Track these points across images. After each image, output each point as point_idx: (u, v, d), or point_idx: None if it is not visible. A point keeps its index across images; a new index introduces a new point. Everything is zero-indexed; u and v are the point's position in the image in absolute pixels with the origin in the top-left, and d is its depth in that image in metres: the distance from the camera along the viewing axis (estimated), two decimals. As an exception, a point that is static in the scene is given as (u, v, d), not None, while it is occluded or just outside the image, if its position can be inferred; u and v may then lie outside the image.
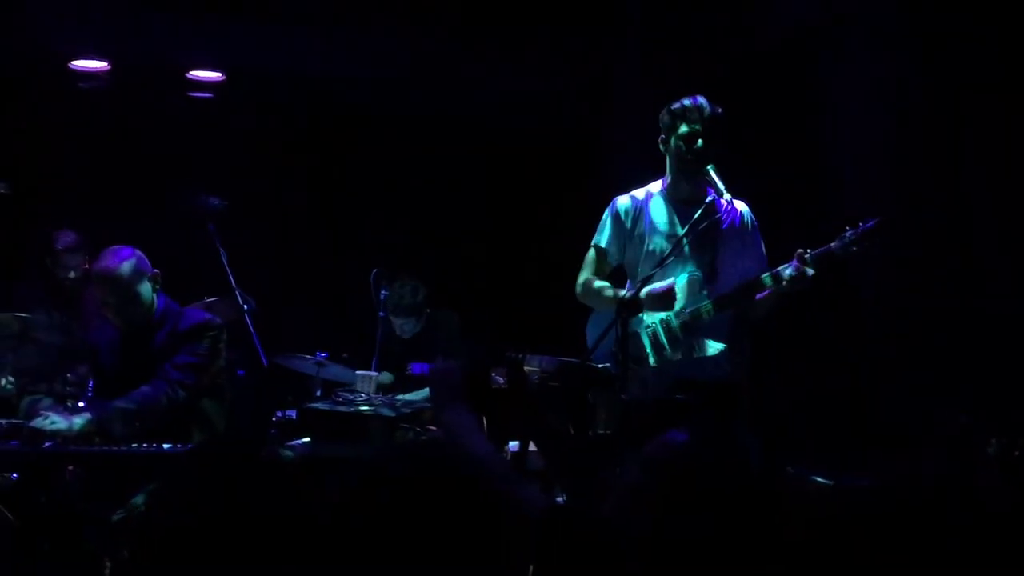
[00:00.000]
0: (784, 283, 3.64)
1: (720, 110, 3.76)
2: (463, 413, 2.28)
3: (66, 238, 5.29)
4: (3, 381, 4.59)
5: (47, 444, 3.64)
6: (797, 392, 4.95)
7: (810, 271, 3.60)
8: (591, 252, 3.93)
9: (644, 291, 3.64)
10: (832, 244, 3.64)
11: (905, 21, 4.67)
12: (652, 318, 3.77)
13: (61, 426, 3.70)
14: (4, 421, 4.20)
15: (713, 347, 3.74)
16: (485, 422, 2.17)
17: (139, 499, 2.96)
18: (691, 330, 3.74)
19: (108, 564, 3.00)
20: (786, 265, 3.66)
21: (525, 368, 3.23)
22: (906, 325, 4.66)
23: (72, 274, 5.20)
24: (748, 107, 3.85)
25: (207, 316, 4.18)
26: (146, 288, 3.97)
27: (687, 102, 3.75)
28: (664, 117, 3.80)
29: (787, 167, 5.00)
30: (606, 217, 3.91)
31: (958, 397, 4.31)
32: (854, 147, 4.94)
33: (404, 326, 5.28)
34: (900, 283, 4.67)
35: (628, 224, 3.85)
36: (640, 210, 3.86)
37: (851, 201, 4.80)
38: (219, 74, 6.06)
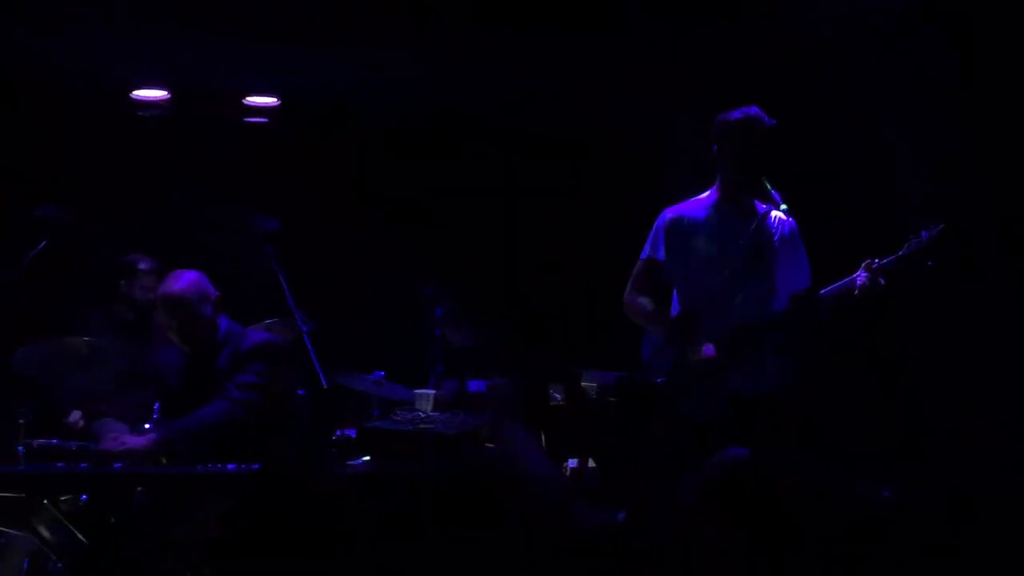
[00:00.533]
0: (855, 292, 3.60)
1: (775, 122, 3.73)
2: (520, 430, 2.29)
3: (146, 261, 5.42)
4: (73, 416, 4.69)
5: (116, 465, 3.72)
6: (853, 405, 4.88)
7: (882, 281, 3.56)
8: (641, 266, 3.85)
9: (693, 352, 3.59)
10: (901, 253, 3.59)
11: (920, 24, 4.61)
12: (712, 334, 3.73)
13: (129, 447, 3.78)
14: (74, 443, 4.31)
15: (774, 362, 3.69)
16: (543, 438, 2.18)
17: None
18: (752, 346, 3.69)
19: None
20: (854, 276, 3.61)
21: (583, 384, 3.22)
22: (952, 334, 4.57)
23: (151, 295, 5.33)
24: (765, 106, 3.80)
25: (268, 336, 4.25)
26: (208, 311, 4.06)
27: (745, 114, 3.70)
28: (720, 128, 3.75)
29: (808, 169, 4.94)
30: (658, 229, 3.85)
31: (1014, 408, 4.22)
32: (874, 146, 4.89)
33: (449, 330, 5.30)
34: (941, 289, 4.58)
35: (682, 235, 3.79)
36: (693, 221, 3.80)
37: (867, 199, 4.76)
38: (274, 99, 6.17)
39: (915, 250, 3.56)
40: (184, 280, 4.06)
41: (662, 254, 3.82)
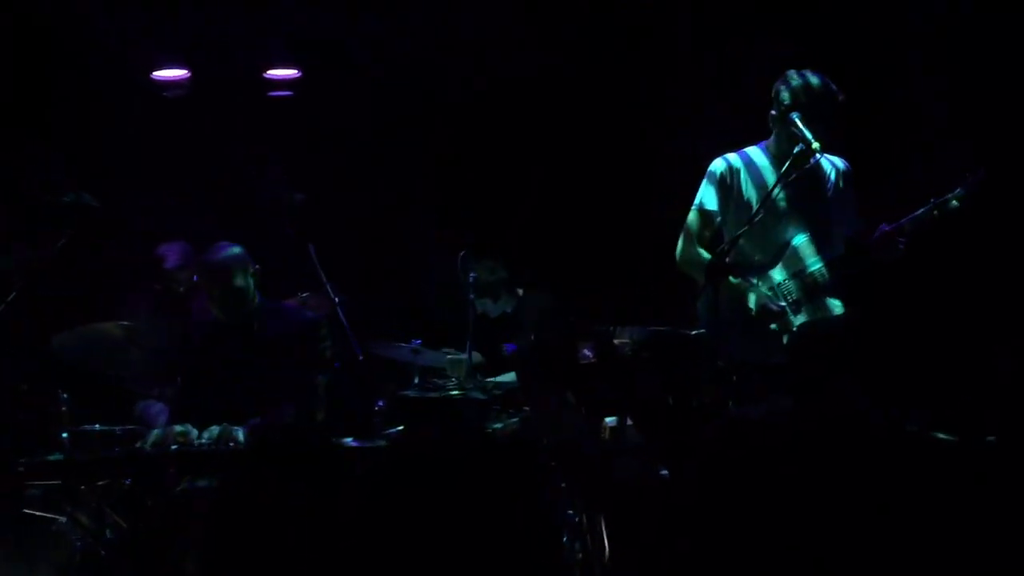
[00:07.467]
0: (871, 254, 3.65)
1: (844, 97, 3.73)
2: (550, 392, 2.22)
3: (173, 256, 5.36)
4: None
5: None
6: (914, 347, 4.77)
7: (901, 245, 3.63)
8: (693, 215, 3.83)
9: (754, 302, 3.61)
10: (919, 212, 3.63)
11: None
12: (769, 283, 3.72)
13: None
14: (119, 428, 4.27)
15: (836, 306, 3.68)
16: (574, 398, 2.12)
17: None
18: (812, 292, 3.68)
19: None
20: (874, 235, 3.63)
21: (615, 341, 3.15)
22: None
23: (182, 288, 5.32)
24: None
25: (312, 314, 4.33)
26: (249, 281, 4.13)
27: (807, 81, 3.69)
28: (782, 90, 3.72)
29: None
30: (708, 178, 3.84)
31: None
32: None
33: (486, 305, 5.28)
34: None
35: (730, 184, 3.80)
36: (740, 169, 3.80)
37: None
38: (295, 71, 6.10)
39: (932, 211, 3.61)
40: (226, 248, 4.17)
41: (712, 202, 3.80)
